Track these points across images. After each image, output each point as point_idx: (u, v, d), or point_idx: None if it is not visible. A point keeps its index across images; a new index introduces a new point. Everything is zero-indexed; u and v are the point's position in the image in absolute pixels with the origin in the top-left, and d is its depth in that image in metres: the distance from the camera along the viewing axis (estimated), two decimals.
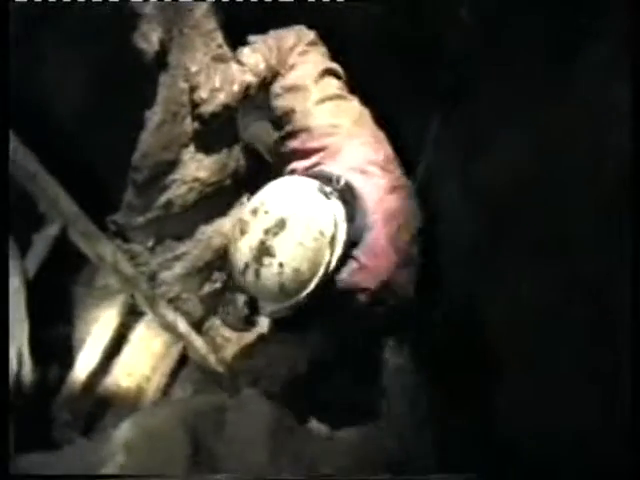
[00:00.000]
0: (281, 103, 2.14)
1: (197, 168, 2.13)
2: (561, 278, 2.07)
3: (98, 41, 2.03)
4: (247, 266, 1.83)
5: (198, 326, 2.36)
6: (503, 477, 1.92)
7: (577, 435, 1.97)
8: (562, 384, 2.05)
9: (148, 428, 1.42)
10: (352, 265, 2.02)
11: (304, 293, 1.88)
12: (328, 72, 2.18)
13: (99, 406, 2.11)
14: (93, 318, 2.13)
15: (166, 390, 2.18)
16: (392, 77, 2.39)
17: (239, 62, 2.14)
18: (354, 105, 2.21)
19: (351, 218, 2.00)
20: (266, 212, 1.85)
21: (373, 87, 2.30)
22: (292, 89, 2.14)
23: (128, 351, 2.16)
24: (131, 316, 2.18)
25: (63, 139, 2.01)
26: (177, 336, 2.21)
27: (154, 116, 2.01)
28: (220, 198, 2.27)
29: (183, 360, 2.26)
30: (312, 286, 1.88)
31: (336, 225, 1.92)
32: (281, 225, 1.82)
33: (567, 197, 2.05)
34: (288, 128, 2.14)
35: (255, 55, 2.15)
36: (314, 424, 2.28)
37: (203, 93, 2.06)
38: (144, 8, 2.00)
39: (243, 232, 1.86)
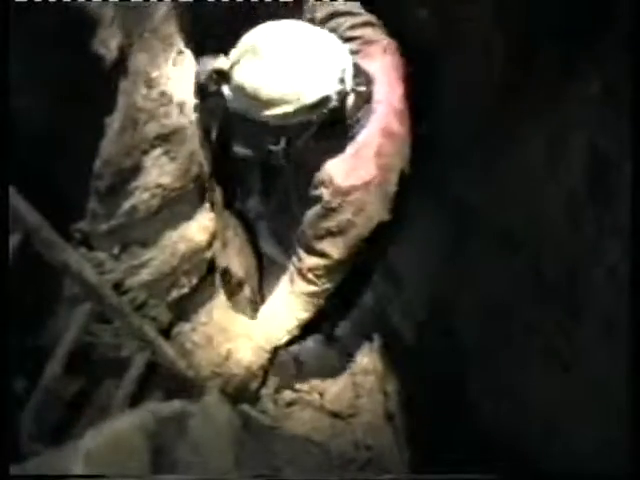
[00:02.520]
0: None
1: (159, 174, 2.12)
2: (527, 274, 2.09)
3: (57, 47, 2.02)
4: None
5: (167, 332, 2.35)
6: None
7: (548, 427, 1.99)
8: (532, 378, 2.06)
9: (109, 437, 1.40)
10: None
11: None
12: None
13: (68, 416, 2.10)
14: (60, 328, 2.12)
15: (135, 397, 2.17)
16: None
17: None
18: None
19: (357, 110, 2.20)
20: None
21: None
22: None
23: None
24: (98, 325, 2.17)
25: (23, 147, 2.00)
26: (145, 342, 2.20)
27: (114, 123, 2.00)
28: (184, 203, 2.26)
29: (153, 367, 2.25)
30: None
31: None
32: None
33: (532, 194, 2.07)
34: None
35: None
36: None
37: None
38: (103, 13, 1.99)
39: None
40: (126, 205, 2.12)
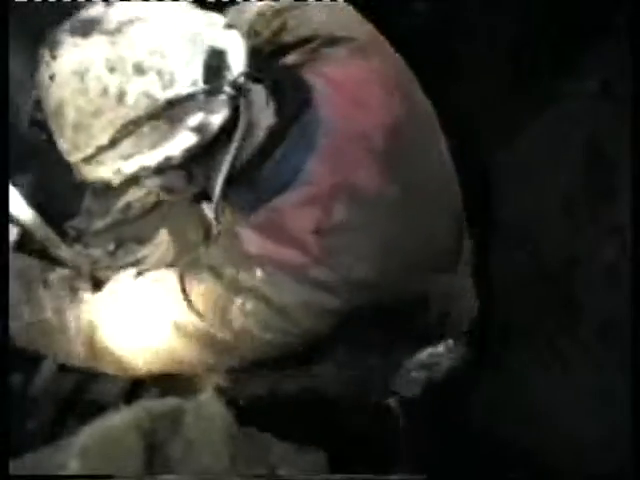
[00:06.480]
0: None
1: None
2: (525, 272, 2.10)
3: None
4: None
5: None
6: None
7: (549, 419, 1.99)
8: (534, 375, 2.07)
9: (103, 433, 1.40)
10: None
11: None
12: None
13: (64, 412, 2.10)
14: None
15: (130, 394, 2.17)
16: None
17: None
18: None
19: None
20: None
21: None
22: None
23: None
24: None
25: (17, 143, 1.99)
26: None
27: None
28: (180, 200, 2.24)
29: None
30: None
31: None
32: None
33: (531, 191, 2.07)
34: None
35: None
36: None
37: None
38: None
39: None
40: (121, 202, 2.13)
